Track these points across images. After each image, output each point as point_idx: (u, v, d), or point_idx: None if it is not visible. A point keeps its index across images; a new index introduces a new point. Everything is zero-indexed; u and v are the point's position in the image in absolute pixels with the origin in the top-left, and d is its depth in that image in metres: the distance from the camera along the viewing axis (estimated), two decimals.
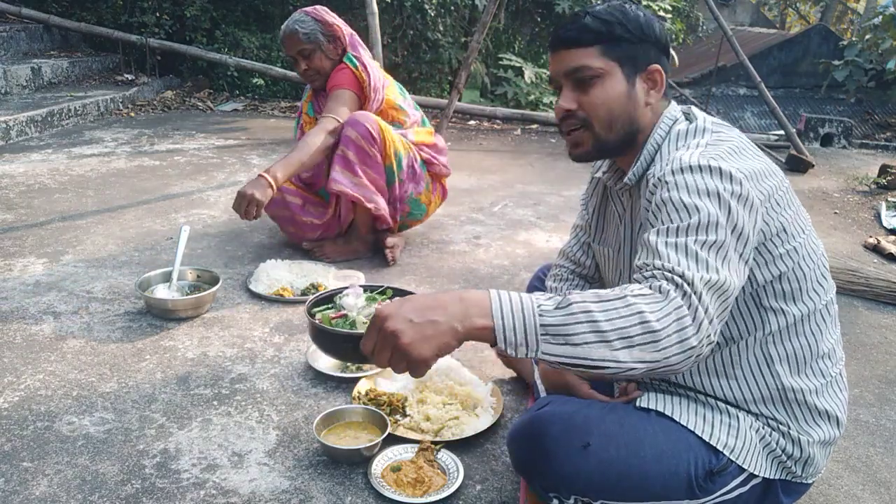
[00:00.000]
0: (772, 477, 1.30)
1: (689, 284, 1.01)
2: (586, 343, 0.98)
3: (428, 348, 1.00)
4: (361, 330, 1.23)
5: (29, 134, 4.69)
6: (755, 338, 1.28)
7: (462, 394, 1.81)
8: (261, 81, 6.93)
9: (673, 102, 1.38)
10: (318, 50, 2.74)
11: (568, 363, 1.00)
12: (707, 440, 1.26)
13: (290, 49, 2.76)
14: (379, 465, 1.56)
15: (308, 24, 2.72)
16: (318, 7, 2.82)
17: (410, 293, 1.29)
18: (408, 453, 1.60)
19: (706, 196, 1.11)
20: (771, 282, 1.25)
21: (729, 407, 1.30)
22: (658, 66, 1.31)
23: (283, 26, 2.76)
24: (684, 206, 1.11)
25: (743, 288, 1.22)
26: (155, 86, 6.49)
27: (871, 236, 3.63)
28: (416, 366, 1.02)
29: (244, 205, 2.40)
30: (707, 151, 1.19)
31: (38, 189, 3.56)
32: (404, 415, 1.76)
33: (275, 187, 2.49)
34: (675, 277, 1.02)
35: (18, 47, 6.18)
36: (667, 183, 1.17)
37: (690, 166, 1.16)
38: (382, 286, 1.49)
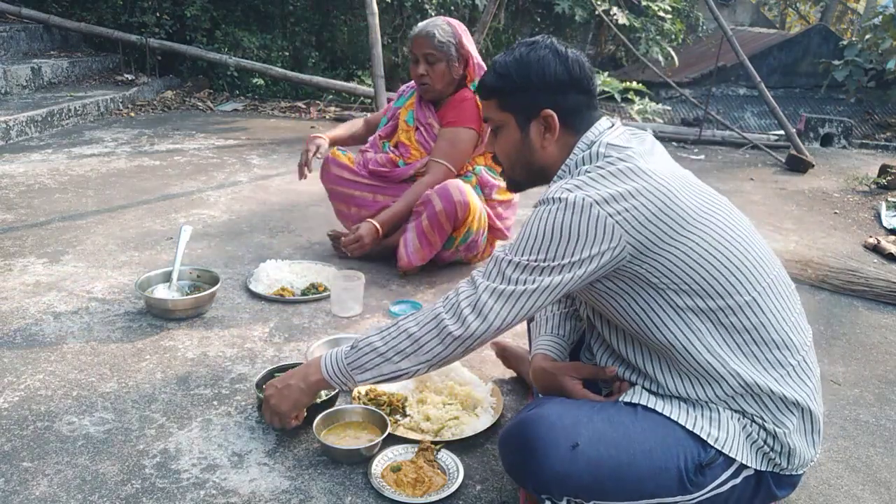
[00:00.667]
0: (760, 469, 1.30)
1: (473, 283, 1.32)
2: (375, 365, 1.38)
3: (286, 404, 1.54)
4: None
5: (29, 134, 4.69)
6: (692, 339, 1.28)
7: (462, 394, 1.81)
8: (261, 81, 6.94)
9: (600, 121, 1.40)
10: (445, 62, 2.62)
11: (375, 381, 1.41)
12: (693, 431, 1.27)
13: (417, 48, 2.63)
14: (379, 465, 1.56)
15: (446, 34, 2.61)
16: (457, 22, 2.71)
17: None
18: (408, 453, 1.60)
19: (540, 224, 1.27)
20: (674, 287, 1.27)
21: (708, 402, 1.31)
22: (549, 112, 1.38)
23: (419, 24, 2.66)
24: (524, 229, 1.30)
25: (650, 293, 1.29)
26: (155, 86, 6.49)
27: (871, 236, 3.63)
28: (281, 417, 1.56)
29: (352, 242, 2.62)
30: (571, 182, 1.30)
31: (38, 189, 3.56)
32: (404, 415, 1.76)
33: (380, 233, 2.63)
34: (467, 281, 1.34)
35: (18, 47, 6.18)
36: (535, 209, 1.33)
37: (546, 198, 1.30)
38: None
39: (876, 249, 3.45)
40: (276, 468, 1.57)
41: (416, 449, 1.61)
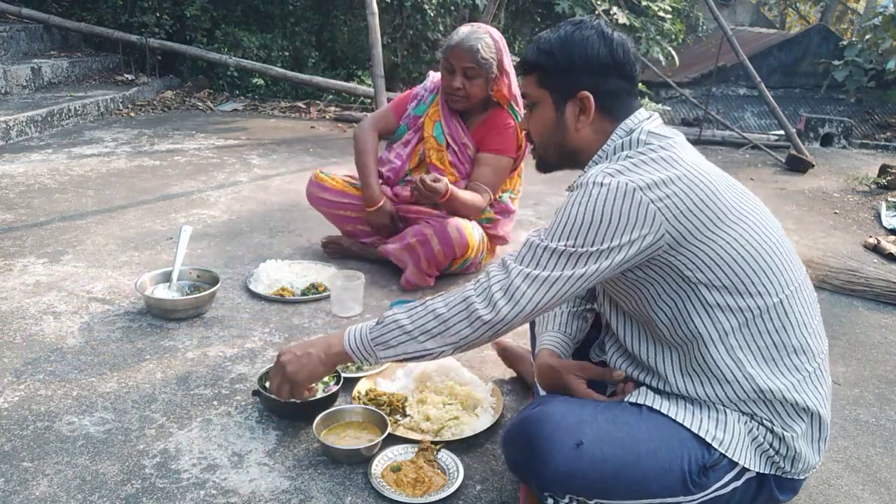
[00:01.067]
0: (763, 472, 1.30)
1: (505, 268, 1.30)
2: (400, 343, 1.35)
3: (302, 373, 1.48)
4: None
5: (29, 134, 4.69)
6: (714, 338, 1.28)
7: (462, 394, 1.81)
8: (261, 81, 6.94)
9: (639, 111, 1.39)
10: (484, 79, 2.51)
11: (398, 359, 1.38)
12: (697, 433, 1.27)
13: (456, 60, 2.47)
14: (379, 465, 1.56)
15: (491, 51, 2.47)
16: (499, 36, 2.56)
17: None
18: (408, 453, 1.60)
19: (579, 208, 1.25)
20: (706, 282, 1.26)
21: (715, 404, 1.31)
22: (587, 93, 1.36)
23: (461, 33, 2.48)
24: (561, 212, 1.28)
25: (681, 286, 1.28)
26: (155, 86, 6.49)
27: (871, 236, 3.63)
28: (294, 386, 1.51)
29: (431, 190, 2.41)
30: (612, 167, 1.28)
31: (38, 189, 3.56)
32: (404, 415, 1.76)
33: (448, 195, 2.47)
34: (499, 264, 1.32)
35: (18, 47, 6.18)
36: (568, 196, 1.31)
37: (586, 182, 1.27)
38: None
39: (876, 249, 3.45)
40: (276, 468, 1.57)
41: (416, 449, 1.61)
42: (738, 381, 1.29)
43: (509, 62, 2.57)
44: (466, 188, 2.62)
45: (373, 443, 1.58)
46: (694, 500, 1.28)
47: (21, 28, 6.26)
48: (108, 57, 6.80)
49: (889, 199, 4.44)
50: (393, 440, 1.64)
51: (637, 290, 1.34)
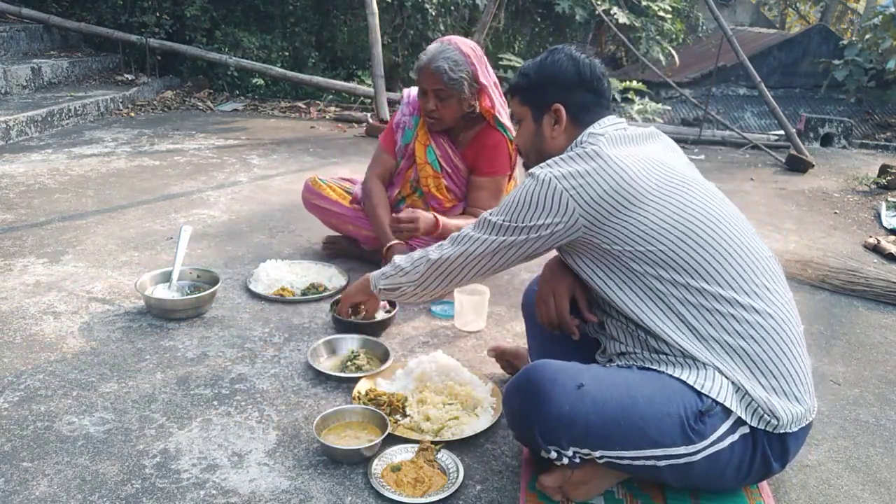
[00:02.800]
0: (752, 424, 1.34)
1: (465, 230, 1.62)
2: (392, 275, 1.76)
3: (345, 299, 2.05)
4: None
5: (29, 134, 4.69)
6: (644, 309, 1.43)
7: (462, 394, 1.81)
8: (261, 81, 6.94)
9: (606, 118, 1.58)
10: (456, 99, 2.40)
11: (392, 294, 1.79)
12: (687, 382, 1.34)
13: (425, 82, 2.39)
14: (379, 465, 1.56)
15: (459, 69, 2.35)
16: (472, 48, 2.43)
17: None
18: (408, 453, 1.60)
19: (519, 194, 1.50)
20: (628, 252, 1.42)
21: (695, 360, 1.38)
22: (558, 105, 1.59)
23: (429, 52, 2.39)
24: (509, 196, 1.55)
25: (610, 260, 1.46)
26: (155, 86, 6.49)
27: (871, 236, 3.63)
28: (343, 303, 2.07)
29: (408, 222, 2.31)
30: (550, 162, 1.51)
31: (38, 189, 3.56)
32: (404, 415, 1.76)
33: (438, 229, 2.35)
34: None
35: (18, 47, 6.18)
36: None
37: (529, 173, 1.53)
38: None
39: (876, 249, 3.44)
40: (276, 468, 1.57)
41: (416, 449, 1.61)
42: (685, 327, 1.40)
43: (486, 74, 2.45)
44: (464, 212, 2.57)
45: (373, 443, 1.58)
46: (695, 451, 1.31)
47: (21, 28, 6.27)
48: (108, 57, 6.80)
49: (889, 199, 4.44)
50: (393, 440, 1.64)
51: (587, 263, 1.51)
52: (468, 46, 2.43)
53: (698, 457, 1.32)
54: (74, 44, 6.92)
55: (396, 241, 2.48)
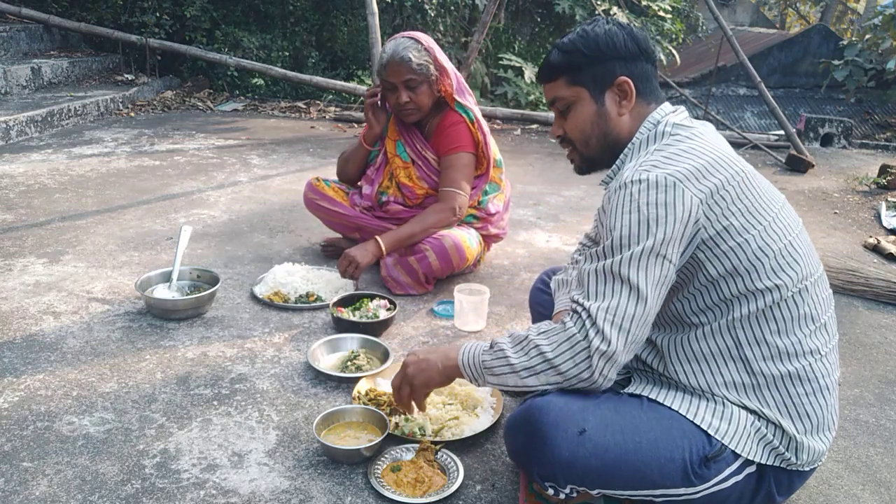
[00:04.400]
0: (766, 463, 1.31)
1: (588, 315, 1.24)
2: (504, 374, 1.32)
3: (420, 378, 1.47)
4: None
5: (29, 134, 4.69)
6: (721, 324, 1.32)
7: (462, 394, 1.81)
8: (261, 81, 6.94)
9: (664, 104, 1.44)
10: (427, 84, 2.46)
11: (500, 388, 1.37)
12: (697, 423, 1.28)
13: (394, 76, 2.43)
14: (379, 465, 1.56)
15: (421, 54, 2.42)
16: (423, 36, 2.51)
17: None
18: (408, 453, 1.60)
19: (626, 211, 1.25)
20: (725, 275, 1.29)
21: (714, 396, 1.32)
22: (625, 78, 1.40)
23: (388, 50, 2.44)
24: (609, 225, 1.28)
25: (698, 280, 1.31)
26: (155, 86, 6.49)
27: (871, 236, 3.63)
28: (413, 389, 1.49)
29: (345, 265, 2.44)
30: (647, 161, 1.30)
31: (38, 189, 3.56)
32: (404, 415, 1.75)
33: (384, 253, 2.48)
34: (580, 309, 1.26)
35: (18, 47, 6.18)
36: (608, 199, 1.33)
37: (624, 183, 1.28)
38: (371, 292, 2.39)
39: (876, 249, 3.44)
40: (276, 468, 1.57)
41: (417, 449, 1.61)
42: (735, 362, 1.31)
43: (443, 57, 2.52)
44: (439, 197, 2.57)
45: (373, 443, 1.58)
46: (695, 492, 1.29)
47: (21, 28, 6.27)
48: (108, 57, 6.80)
49: (889, 199, 4.44)
50: (393, 440, 1.64)
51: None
52: (418, 35, 2.51)
53: (698, 496, 1.29)
54: (74, 44, 6.92)
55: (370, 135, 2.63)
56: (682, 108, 1.44)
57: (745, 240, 1.27)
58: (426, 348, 1.55)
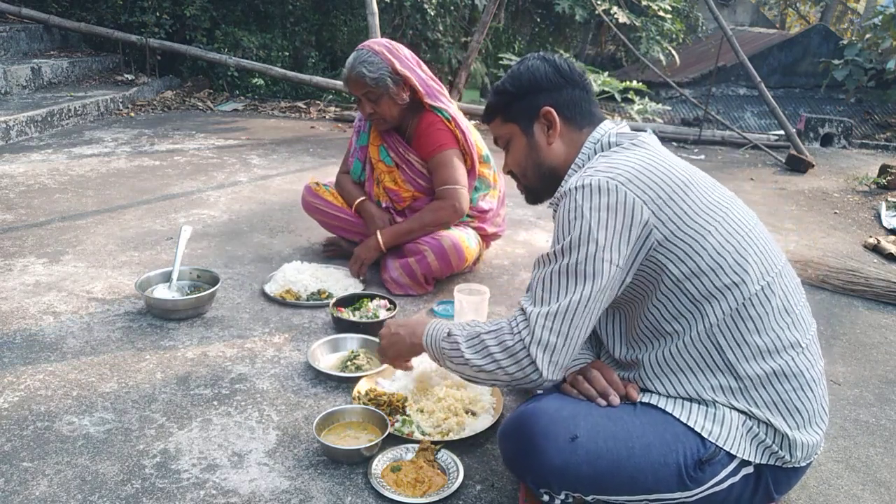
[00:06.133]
0: (762, 462, 1.31)
1: (525, 322, 1.28)
2: (460, 365, 1.37)
3: (391, 351, 1.60)
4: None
5: (29, 134, 4.69)
6: (699, 331, 1.31)
7: (462, 394, 1.81)
8: (261, 81, 6.94)
9: (603, 123, 1.47)
10: (386, 95, 2.47)
11: (457, 374, 1.40)
12: (691, 426, 1.28)
13: (354, 90, 2.50)
14: (379, 465, 1.56)
15: (376, 68, 2.42)
16: (385, 45, 2.51)
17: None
18: (408, 453, 1.61)
19: (571, 218, 1.28)
20: (689, 276, 1.28)
21: (704, 399, 1.32)
22: (548, 108, 1.46)
23: (347, 63, 2.48)
24: (556, 231, 1.32)
25: (664, 283, 1.30)
26: (155, 86, 6.49)
27: (871, 236, 3.63)
28: (391, 361, 1.65)
29: (356, 266, 2.60)
30: (591, 167, 1.34)
31: (38, 189, 3.56)
32: (404, 415, 1.75)
33: (383, 249, 2.57)
34: (519, 316, 1.30)
35: (18, 47, 6.18)
36: (556, 208, 1.37)
37: (569, 189, 1.31)
38: (371, 293, 2.44)
39: (876, 249, 3.44)
40: (276, 468, 1.57)
41: (416, 449, 1.61)
42: (717, 368, 1.31)
43: (406, 64, 2.50)
44: (435, 197, 2.57)
45: (373, 443, 1.58)
46: (691, 496, 1.28)
47: (21, 28, 6.27)
48: (108, 57, 6.80)
49: (889, 199, 4.44)
50: (393, 440, 1.64)
51: (638, 294, 1.36)
52: (380, 45, 2.51)
53: (694, 499, 1.29)
54: (74, 44, 6.92)
55: (364, 198, 2.70)
56: (624, 122, 1.48)
57: (703, 236, 1.28)
58: (399, 320, 1.61)
